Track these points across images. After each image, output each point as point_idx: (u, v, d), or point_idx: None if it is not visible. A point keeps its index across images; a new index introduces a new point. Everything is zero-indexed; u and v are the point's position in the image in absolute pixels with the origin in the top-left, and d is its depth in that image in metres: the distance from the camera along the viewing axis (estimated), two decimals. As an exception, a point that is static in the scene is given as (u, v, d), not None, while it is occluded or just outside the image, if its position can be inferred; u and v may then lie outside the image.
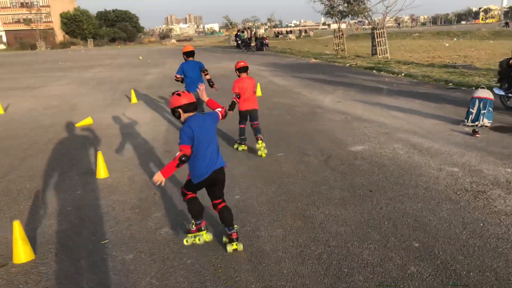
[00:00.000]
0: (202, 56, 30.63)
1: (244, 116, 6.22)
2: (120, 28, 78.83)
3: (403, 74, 14.56)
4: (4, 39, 75.97)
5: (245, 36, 38.45)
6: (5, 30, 76.18)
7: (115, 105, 10.94)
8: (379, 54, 22.10)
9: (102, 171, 5.41)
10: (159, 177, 3.16)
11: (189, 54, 7.48)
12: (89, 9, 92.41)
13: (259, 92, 11.51)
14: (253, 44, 34.74)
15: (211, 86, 7.41)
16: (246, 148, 6.36)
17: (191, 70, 7.33)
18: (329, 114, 8.67)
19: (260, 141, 6.04)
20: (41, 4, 74.24)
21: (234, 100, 5.95)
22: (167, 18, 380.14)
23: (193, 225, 3.66)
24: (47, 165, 6.00)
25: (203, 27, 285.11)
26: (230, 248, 3.43)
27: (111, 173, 5.50)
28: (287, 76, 16.01)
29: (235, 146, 6.48)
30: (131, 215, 4.22)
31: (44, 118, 9.38)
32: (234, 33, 49.29)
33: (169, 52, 41.12)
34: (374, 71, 16.45)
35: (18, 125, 8.73)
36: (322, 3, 27.39)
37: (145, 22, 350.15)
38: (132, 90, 11.51)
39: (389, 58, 21.63)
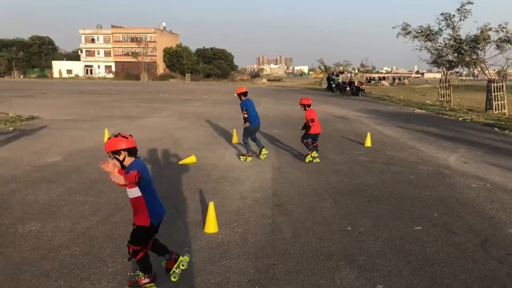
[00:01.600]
0: (295, 97, 30.34)
1: (313, 137, 8.47)
2: (215, 65, 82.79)
3: (534, 135, 12.58)
4: (113, 69, 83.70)
5: (340, 80, 37.72)
6: (115, 61, 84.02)
7: (216, 143, 10.59)
8: (495, 109, 19.88)
9: (211, 225, 4.75)
10: (116, 176, 3.01)
11: (245, 94, 8.67)
12: (189, 46, 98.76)
13: (368, 142, 10.49)
14: (348, 88, 33.80)
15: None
16: (317, 155, 8.43)
17: (252, 107, 8.63)
18: (461, 178, 7.36)
19: (314, 152, 8.40)
20: (148, 40, 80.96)
21: (309, 124, 8.30)
22: (259, 58, 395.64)
23: (144, 279, 3.46)
24: (152, 208, 5.51)
25: (293, 68, 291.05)
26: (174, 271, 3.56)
27: (221, 228, 4.83)
28: (392, 126, 14.77)
29: (307, 159, 8.40)
30: (251, 294, 3.43)
31: (148, 152, 9.24)
32: (322, 75, 48.84)
33: (261, 91, 41.71)
34: (496, 128, 14.55)
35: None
36: (429, 51, 25.78)
37: (238, 61, 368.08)
38: (234, 130, 11.14)
39: (506, 114, 19.35)
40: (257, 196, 6.13)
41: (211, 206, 4.79)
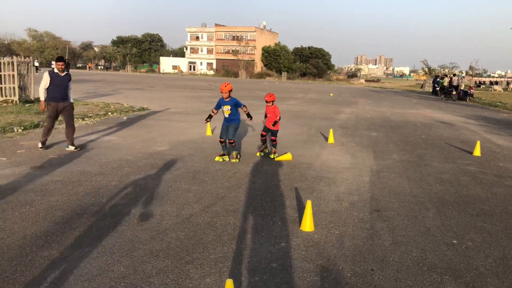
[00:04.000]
0: (395, 99, 29.06)
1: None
2: (312, 64, 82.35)
3: None
4: (214, 66, 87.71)
5: (445, 83, 35.16)
6: (216, 59, 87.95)
7: (311, 142, 10.56)
8: None
9: (308, 223, 4.76)
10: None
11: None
12: (287, 44, 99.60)
13: (477, 151, 9.65)
14: (454, 92, 31.37)
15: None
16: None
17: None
18: None
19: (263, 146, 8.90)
20: (249, 38, 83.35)
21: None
22: (357, 58, 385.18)
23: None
24: (249, 201, 5.69)
25: (392, 69, 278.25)
26: None
27: (316, 227, 4.81)
28: (506, 135, 13.40)
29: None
30: (348, 297, 3.38)
31: (246, 146, 9.53)
32: (425, 77, 45.84)
33: (358, 91, 40.55)
34: None
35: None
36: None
37: (335, 60, 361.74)
38: (331, 130, 11.00)
39: None
40: (354, 199, 5.99)
41: (309, 205, 4.80)
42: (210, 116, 8.08)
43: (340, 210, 5.50)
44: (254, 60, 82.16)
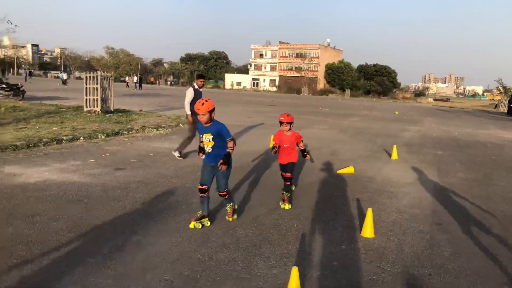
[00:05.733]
0: (465, 119, 27.90)
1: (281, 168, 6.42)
2: (376, 81, 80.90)
3: None
4: (277, 82, 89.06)
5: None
6: (279, 75, 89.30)
7: (374, 158, 10.65)
8: None
9: (368, 230, 5.00)
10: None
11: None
12: (352, 61, 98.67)
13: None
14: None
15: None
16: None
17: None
18: None
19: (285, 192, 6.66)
20: (312, 56, 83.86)
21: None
22: (424, 76, 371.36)
23: None
24: (312, 208, 6.02)
25: (464, 88, 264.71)
26: None
27: (377, 235, 5.03)
28: None
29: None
30: (405, 296, 3.60)
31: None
32: (500, 97, 43.34)
33: (425, 110, 39.31)
34: None
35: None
36: None
37: (401, 78, 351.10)
38: (395, 146, 11.02)
39: None
40: (415, 212, 6.10)
41: (370, 212, 5.04)
42: (200, 148, 5.15)
43: (401, 221, 5.66)
44: (317, 77, 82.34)
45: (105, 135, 11.61)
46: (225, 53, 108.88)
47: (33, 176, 6.92)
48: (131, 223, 4.98)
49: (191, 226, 4.92)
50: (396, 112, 30.62)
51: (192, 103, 8.86)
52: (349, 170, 8.52)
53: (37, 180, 6.69)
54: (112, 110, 17.62)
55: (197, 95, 9.00)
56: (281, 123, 6.05)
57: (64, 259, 3.97)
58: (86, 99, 16.94)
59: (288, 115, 6.12)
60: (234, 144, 4.92)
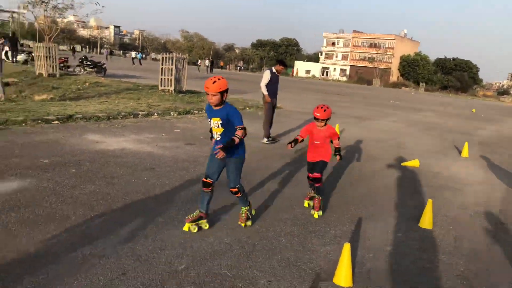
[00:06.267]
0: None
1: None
2: (455, 77, 76.32)
3: None
4: (347, 72, 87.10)
5: None
6: (350, 65, 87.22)
7: (443, 154, 10.28)
8: None
9: (426, 221, 4.97)
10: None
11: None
12: (429, 54, 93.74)
13: None
14: None
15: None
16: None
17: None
18: None
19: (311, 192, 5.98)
20: (387, 46, 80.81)
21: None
22: (511, 74, 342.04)
23: None
24: (369, 196, 6.07)
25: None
26: None
27: (435, 227, 4.99)
28: None
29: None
30: (456, 286, 3.61)
31: (373, 149, 9.76)
32: None
33: (508, 110, 36.59)
34: None
35: (350, 153, 9.42)
36: None
37: (484, 74, 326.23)
38: (466, 143, 10.54)
39: None
40: (479, 210, 5.92)
41: (430, 203, 5.01)
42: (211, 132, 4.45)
43: (463, 217, 5.54)
44: (390, 68, 79.40)
45: (177, 113, 12.29)
46: (296, 40, 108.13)
47: (112, 144, 7.61)
48: (197, 191, 5.37)
49: (185, 228, 4.18)
50: (474, 110, 28.78)
51: (268, 86, 9.11)
52: (414, 163, 8.35)
53: (116, 148, 7.36)
54: (185, 90, 18.44)
55: (274, 78, 9.20)
56: (315, 119, 4.95)
57: (138, 216, 4.44)
58: (161, 79, 17.89)
59: (324, 110, 4.88)
60: (245, 134, 4.04)
